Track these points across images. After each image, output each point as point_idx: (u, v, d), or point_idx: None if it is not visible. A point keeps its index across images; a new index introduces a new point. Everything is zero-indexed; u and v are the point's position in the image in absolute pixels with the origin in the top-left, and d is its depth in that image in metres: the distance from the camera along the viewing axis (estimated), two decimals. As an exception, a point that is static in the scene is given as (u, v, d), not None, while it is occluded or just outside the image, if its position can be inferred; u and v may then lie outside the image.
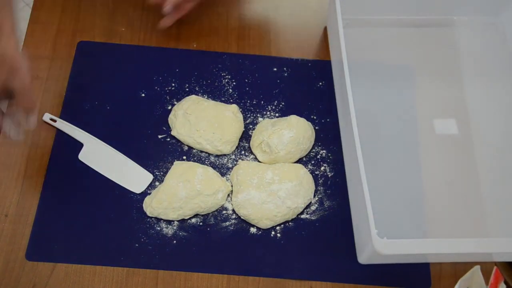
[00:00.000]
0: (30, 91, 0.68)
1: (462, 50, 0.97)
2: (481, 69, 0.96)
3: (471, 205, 0.84)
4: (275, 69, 0.94)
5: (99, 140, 0.85)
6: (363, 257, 0.77)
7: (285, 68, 0.94)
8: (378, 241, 0.66)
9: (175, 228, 0.80)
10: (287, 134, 0.83)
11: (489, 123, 0.91)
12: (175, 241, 0.80)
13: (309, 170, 0.85)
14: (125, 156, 0.85)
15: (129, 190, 0.83)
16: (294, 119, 0.86)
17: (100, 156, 0.85)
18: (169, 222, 0.81)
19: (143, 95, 0.90)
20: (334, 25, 0.86)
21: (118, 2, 0.99)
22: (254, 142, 0.86)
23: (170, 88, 0.91)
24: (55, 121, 0.86)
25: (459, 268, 0.79)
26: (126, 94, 0.90)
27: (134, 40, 0.95)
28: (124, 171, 0.84)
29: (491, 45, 0.97)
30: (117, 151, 0.85)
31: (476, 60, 0.96)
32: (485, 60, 0.96)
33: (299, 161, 0.86)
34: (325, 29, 0.99)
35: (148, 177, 0.84)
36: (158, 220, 0.81)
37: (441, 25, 0.99)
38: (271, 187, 0.81)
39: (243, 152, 0.87)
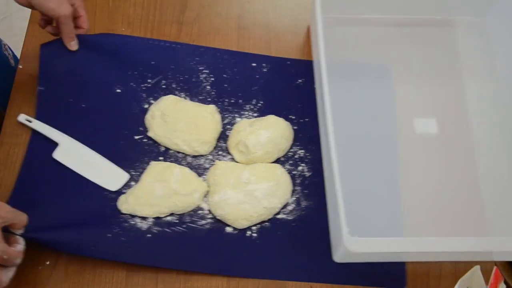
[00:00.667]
0: (19, 214, 0.72)
1: (445, 50, 0.97)
2: (463, 69, 0.95)
3: (450, 205, 0.84)
4: (254, 64, 0.93)
5: (74, 140, 0.84)
6: (338, 256, 0.77)
7: (264, 64, 0.93)
8: (349, 239, 0.66)
9: (149, 223, 0.80)
10: (265, 134, 0.83)
11: (469, 123, 0.91)
12: (149, 235, 0.79)
13: (286, 170, 0.85)
14: (100, 155, 0.84)
15: (104, 189, 0.82)
16: (272, 119, 0.85)
17: (75, 155, 0.83)
18: (143, 218, 0.80)
19: (118, 90, 0.88)
20: (315, 24, 0.85)
21: (118, 2, 0.99)
22: (231, 143, 0.85)
23: (146, 84, 0.90)
24: (30, 121, 0.85)
25: (459, 268, 0.79)
26: (101, 90, 0.88)
27: (134, 40, 0.95)
28: (99, 170, 0.83)
29: (474, 45, 0.97)
30: (92, 150, 0.84)
31: (458, 60, 0.96)
32: (468, 60, 0.96)
33: (277, 161, 0.86)
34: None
35: (124, 175, 0.83)
36: (133, 216, 0.80)
37: (424, 25, 0.98)
38: (248, 187, 0.80)
39: (220, 153, 0.86)
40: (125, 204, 0.80)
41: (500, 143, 0.89)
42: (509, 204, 0.85)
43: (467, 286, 0.70)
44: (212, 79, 0.91)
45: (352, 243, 0.66)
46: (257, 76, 0.91)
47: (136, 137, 0.86)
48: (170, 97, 0.88)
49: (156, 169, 0.82)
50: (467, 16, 0.99)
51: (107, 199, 0.81)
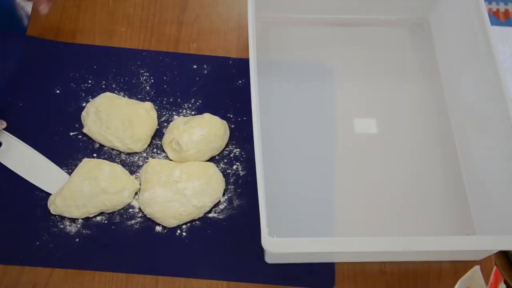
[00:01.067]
0: None
1: (388, 50, 0.96)
2: (406, 69, 0.95)
3: (388, 205, 0.83)
4: (195, 66, 0.93)
5: (16, 139, 0.84)
6: (267, 256, 0.77)
7: (205, 66, 0.93)
8: (268, 240, 0.66)
9: (78, 226, 0.79)
10: (198, 132, 0.82)
11: (410, 123, 0.90)
12: (77, 239, 0.78)
13: (220, 169, 0.84)
14: (43, 156, 0.83)
15: (36, 187, 0.81)
16: (207, 117, 0.85)
17: (17, 155, 0.83)
18: (73, 220, 0.80)
19: (58, 91, 0.89)
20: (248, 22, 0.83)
21: (118, 2, 0.99)
22: (166, 140, 0.85)
23: (86, 85, 0.90)
24: None
25: (459, 268, 0.79)
26: (40, 90, 0.89)
27: (134, 40, 0.95)
28: (39, 170, 0.82)
29: (418, 46, 0.97)
30: (35, 151, 0.84)
31: (402, 60, 0.95)
32: (411, 60, 0.95)
33: (211, 159, 0.85)
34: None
35: (63, 176, 0.82)
36: (62, 218, 0.80)
37: (368, 25, 0.98)
38: (178, 186, 0.80)
39: (155, 150, 0.86)
40: (53, 205, 0.79)
41: (438, 143, 0.88)
42: (446, 204, 0.84)
43: (467, 286, 0.70)
44: (152, 80, 0.91)
45: (269, 243, 0.66)
46: (197, 78, 0.92)
47: (72, 133, 0.86)
48: (107, 94, 0.87)
49: (86, 166, 0.81)
50: (410, 16, 0.98)
51: (38, 198, 0.81)
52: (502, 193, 0.76)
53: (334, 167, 0.86)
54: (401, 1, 0.96)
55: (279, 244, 0.66)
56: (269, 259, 0.77)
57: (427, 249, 0.68)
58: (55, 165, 0.83)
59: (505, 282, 0.70)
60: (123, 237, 0.79)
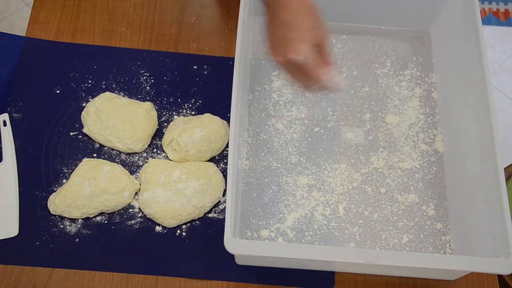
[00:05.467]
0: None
1: (386, 60, 0.95)
2: (402, 82, 0.93)
3: (370, 219, 0.82)
4: (195, 66, 0.93)
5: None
6: (236, 258, 0.77)
7: (205, 66, 0.93)
8: (230, 240, 0.66)
9: (78, 226, 0.79)
10: (198, 133, 0.82)
11: (402, 138, 0.88)
12: (77, 239, 0.79)
13: (221, 169, 0.84)
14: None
15: (36, 187, 0.82)
16: (207, 117, 0.85)
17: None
18: (73, 220, 0.80)
19: (58, 91, 0.89)
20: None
21: (118, 2, 0.99)
22: (165, 140, 0.85)
23: (86, 84, 0.90)
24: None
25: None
26: (40, 90, 0.89)
27: (134, 40, 0.95)
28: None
29: (416, 58, 0.95)
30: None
31: (398, 72, 0.94)
32: (407, 73, 0.94)
33: (212, 159, 0.85)
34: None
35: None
36: (62, 218, 0.80)
37: (369, 34, 0.97)
38: (178, 186, 0.80)
39: (155, 150, 0.86)
40: (52, 205, 0.79)
41: (426, 158, 0.87)
42: (424, 223, 0.82)
43: None
44: (152, 80, 0.91)
45: (230, 243, 0.65)
46: (197, 79, 0.92)
47: (72, 133, 0.86)
48: (107, 94, 0.87)
49: (86, 166, 0.81)
50: (411, 28, 0.97)
51: (38, 198, 0.81)
52: (482, 217, 0.74)
53: (318, 175, 0.84)
54: (402, 12, 0.95)
55: (239, 245, 0.66)
56: (238, 260, 0.77)
57: (391, 264, 0.66)
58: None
59: (504, 282, 0.70)
60: (123, 237, 0.79)
